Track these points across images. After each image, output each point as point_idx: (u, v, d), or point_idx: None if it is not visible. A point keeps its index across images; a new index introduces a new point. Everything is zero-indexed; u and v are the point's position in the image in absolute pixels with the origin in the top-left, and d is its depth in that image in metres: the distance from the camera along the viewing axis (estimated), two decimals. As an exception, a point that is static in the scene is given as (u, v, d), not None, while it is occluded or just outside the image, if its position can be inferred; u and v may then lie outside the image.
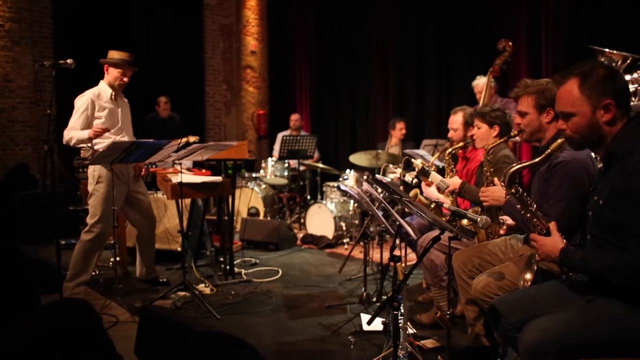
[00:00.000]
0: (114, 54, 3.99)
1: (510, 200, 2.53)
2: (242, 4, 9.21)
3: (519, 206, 2.16)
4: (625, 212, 1.78)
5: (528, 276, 2.15)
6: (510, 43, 5.18)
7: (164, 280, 4.42)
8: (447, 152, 3.50)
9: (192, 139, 6.68)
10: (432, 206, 3.43)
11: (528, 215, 2.12)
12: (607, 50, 3.37)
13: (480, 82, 5.44)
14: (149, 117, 7.24)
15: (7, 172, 6.59)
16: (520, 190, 2.15)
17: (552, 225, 2.05)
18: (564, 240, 2.01)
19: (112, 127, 3.96)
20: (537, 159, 2.20)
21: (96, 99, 3.93)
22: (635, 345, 1.78)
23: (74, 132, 3.85)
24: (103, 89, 4.00)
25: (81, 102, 3.90)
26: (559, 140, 2.11)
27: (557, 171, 2.39)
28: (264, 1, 9.50)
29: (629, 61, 3.28)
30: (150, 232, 4.32)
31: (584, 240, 2.06)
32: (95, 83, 4.04)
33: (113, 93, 4.00)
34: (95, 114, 3.92)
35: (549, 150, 2.14)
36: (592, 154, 2.48)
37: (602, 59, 3.40)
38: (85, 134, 3.81)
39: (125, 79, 4.02)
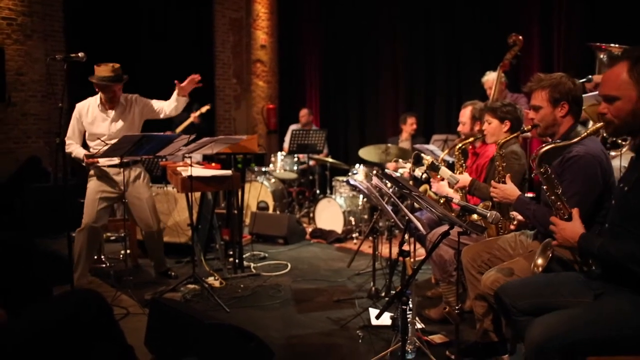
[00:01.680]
0: (99, 71, 3.93)
1: (522, 197, 2.52)
2: (253, -2, 9.21)
3: (545, 187, 2.13)
4: None
5: (540, 261, 2.12)
6: (520, 37, 5.12)
7: (172, 274, 4.44)
8: (457, 147, 3.49)
9: (204, 109, 6.76)
10: (442, 201, 3.43)
11: (553, 197, 2.10)
12: (603, 44, 3.34)
13: (490, 78, 5.39)
14: None
15: (19, 165, 6.65)
16: (550, 171, 2.12)
17: (575, 211, 2.02)
18: (584, 228, 1.99)
19: (96, 135, 4.01)
20: (573, 140, 2.17)
21: (85, 108, 4.03)
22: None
23: (74, 147, 4.02)
24: (96, 99, 4.06)
25: (74, 111, 4.05)
26: (598, 125, 2.06)
27: (570, 166, 2.37)
28: (274, -5, 9.49)
29: None
30: (150, 234, 4.26)
31: (600, 233, 2.04)
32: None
33: (99, 104, 4.03)
34: (84, 123, 4.03)
35: (587, 133, 2.11)
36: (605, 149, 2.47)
37: (602, 55, 3.37)
38: (81, 155, 3.96)
39: (115, 93, 4.00)
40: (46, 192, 6.03)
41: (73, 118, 4.05)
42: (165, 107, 4.21)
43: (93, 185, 4.05)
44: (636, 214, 1.82)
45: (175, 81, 4.07)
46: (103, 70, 3.91)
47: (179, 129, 6.64)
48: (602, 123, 2.01)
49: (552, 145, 2.16)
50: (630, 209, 1.85)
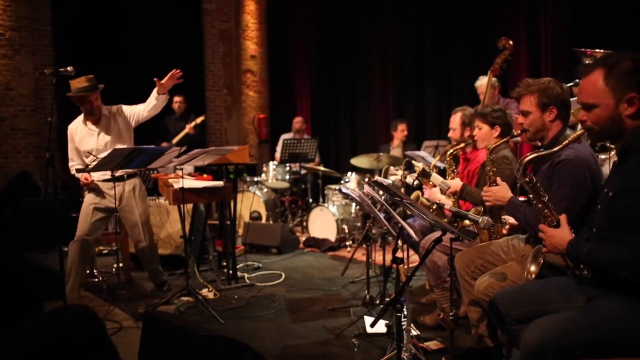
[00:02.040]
0: (74, 85, 3.92)
1: (513, 199, 2.54)
2: (241, 9, 9.23)
3: (531, 196, 2.14)
4: (635, 206, 1.78)
5: (533, 268, 2.13)
6: (510, 42, 5.16)
7: (165, 287, 4.39)
8: (448, 153, 3.50)
9: (198, 120, 6.97)
10: (434, 207, 3.44)
11: (540, 205, 2.11)
12: (588, 50, 3.36)
13: (483, 83, 5.41)
14: (166, 119, 7.29)
15: (9, 180, 6.61)
16: (534, 179, 2.14)
17: (563, 218, 2.04)
18: (572, 234, 2.00)
19: (87, 152, 4.01)
20: (555, 149, 2.19)
21: (74, 128, 4.06)
22: (635, 343, 1.78)
23: (75, 169, 4.05)
24: (82, 117, 4.08)
25: (68, 134, 4.08)
26: (579, 132, 2.09)
27: (559, 169, 2.39)
28: (263, 5, 9.52)
29: None
30: (141, 248, 4.24)
31: (589, 237, 2.05)
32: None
33: (82, 119, 4.03)
34: (75, 143, 4.05)
35: (568, 141, 2.13)
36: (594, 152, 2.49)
37: (587, 61, 3.39)
38: (80, 177, 3.99)
39: (92, 104, 3.97)
40: (37, 207, 6.00)
41: (68, 140, 4.08)
42: (144, 108, 4.12)
43: (88, 197, 4.05)
44: (621, 220, 1.84)
45: (155, 78, 4.01)
46: (77, 83, 3.90)
47: (175, 140, 6.68)
48: (582, 130, 2.04)
49: (535, 154, 2.19)
50: (616, 214, 1.86)
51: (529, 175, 2.13)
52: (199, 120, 6.93)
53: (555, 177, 2.40)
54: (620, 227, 1.84)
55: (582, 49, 3.40)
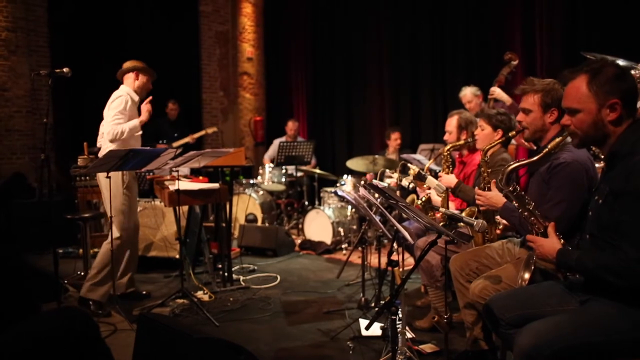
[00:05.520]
0: (135, 63, 4.01)
1: (508, 204, 2.54)
2: (238, 11, 9.23)
3: (516, 204, 2.16)
4: (621, 212, 1.80)
5: (526, 275, 2.14)
6: (516, 55, 5.21)
7: (145, 292, 4.29)
8: (446, 149, 3.49)
9: (210, 130, 7.07)
10: (424, 199, 3.42)
11: (526, 214, 2.12)
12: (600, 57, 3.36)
13: (468, 93, 5.46)
14: (159, 122, 7.32)
15: (4, 181, 6.58)
16: (518, 188, 2.15)
17: (551, 227, 2.05)
18: (562, 241, 2.01)
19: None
20: (535, 158, 2.21)
21: (130, 100, 3.95)
22: (629, 345, 1.79)
23: (123, 125, 3.83)
24: (133, 95, 4.00)
25: (120, 100, 3.89)
26: (557, 139, 2.11)
27: (557, 172, 2.40)
28: (259, 8, 9.53)
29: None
30: (136, 231, 4.15)
31: (580, 242, 2.07)
32: (92, 91, 4.03)
33: (138, 99, 4.01)
34: (127, 110, 3.92)
35: (548, 149, 2.15)
36: (591, 156, 2.50)
37: None
38: (137, 121, 3.88)
39: (151, 86, 4.06)
40: (31, 208, 5.97)
41: (122, 107, 3.85)
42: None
43: (132, 194, 3.98)
44: (608, 225, 1.86)
45: None
46: (140, 62, 4.01)
47: (174, 145, 6.68)
48: (561, 137, 2.08)
49: (517, 164, 2.21)
50: (604, 221, 1.89)
51: (513, 184, 2.15)
52: (210, 130, 7.03)
53: (553, 180, 2.41)
54: (607, 232, 1.87)
55: (588, 54, 3.39)
